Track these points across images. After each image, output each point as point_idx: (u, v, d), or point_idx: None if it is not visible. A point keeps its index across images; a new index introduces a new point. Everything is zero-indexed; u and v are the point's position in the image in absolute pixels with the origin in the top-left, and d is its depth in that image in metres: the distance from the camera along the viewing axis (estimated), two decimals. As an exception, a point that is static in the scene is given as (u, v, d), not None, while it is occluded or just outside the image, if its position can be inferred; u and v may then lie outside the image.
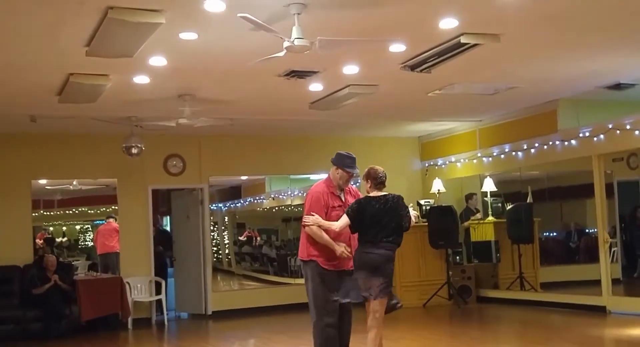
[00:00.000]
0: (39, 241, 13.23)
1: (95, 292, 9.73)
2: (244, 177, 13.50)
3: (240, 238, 16.92)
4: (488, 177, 11.18)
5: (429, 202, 11.49)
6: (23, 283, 9.67)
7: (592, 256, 9.94)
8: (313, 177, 13.29)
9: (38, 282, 9.50)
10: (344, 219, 5.64)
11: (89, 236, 16.55)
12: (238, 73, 7.18)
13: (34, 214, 10.75)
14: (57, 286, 9.51)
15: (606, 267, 9.19)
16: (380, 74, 7.54)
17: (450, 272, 10.98)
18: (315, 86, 7.88)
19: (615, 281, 9.57)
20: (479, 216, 11.48)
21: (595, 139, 9.17)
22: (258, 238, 16.55)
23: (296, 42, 5.26)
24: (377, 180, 5.82)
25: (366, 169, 5.91)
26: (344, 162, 5.92)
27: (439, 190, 11.45)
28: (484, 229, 11.13)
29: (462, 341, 7.82)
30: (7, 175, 10.00)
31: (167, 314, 10.56)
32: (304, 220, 5.73)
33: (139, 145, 9.42)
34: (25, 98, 7.94)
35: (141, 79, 7.25)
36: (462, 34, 6.17)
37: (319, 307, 5.73)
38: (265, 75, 7.25)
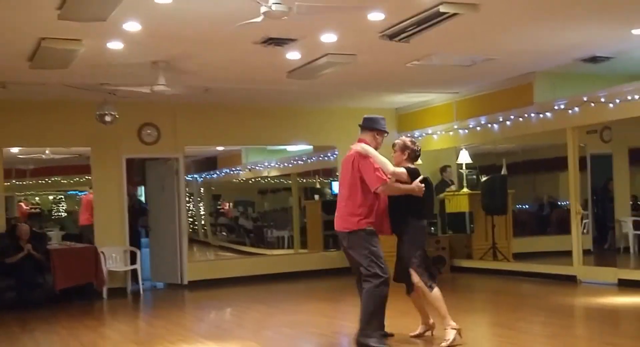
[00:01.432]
0: (26, 208, 13.01)
1: (69, 261, 9.67)
2: (220, 148, 13.41)
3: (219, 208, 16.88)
4: (464, 149, 11.25)
5: (405, 173, 11.53)
6: (-4, 252, 9.59)
7: (563, 228, 10.10)
8: (290, 148, 13.29)
9: (11, 251, 9.41)
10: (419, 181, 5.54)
11: (62, 206, 16.39)
12: (214, 39, 7.07)
13: (6, 184, 10.59)
14: (30, 255, 9.43)
15: (578, 238, 9.33)
16: (358, 43, 7.49)
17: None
18: (293, 54, 7.80)
19: (586, 252, 9.76)
20: (453, 187, 11.57)
21: (570, 111, 9.24)
22: (229, 207, 16.46)
23: (274, 7, 5.19)
24: (415, 153, 5.82)
25: (401, 140, 5.84)
26: (382, 124, 5.83)
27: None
28: (458, 201, 11.23)
29: (436, 309, 7.90)
30: (-23, 143, 9.84)
31: (142, 284, 10.54)
32: (383, 176, 5.42)
33: (113, 113, 9.29)
34: (-5, 64, 7.78)
35: (115, 45, 7.12)
36: (441, 3, 6.14)
37: (381, 267, 5.49)
38: (242, 42, 7.16)
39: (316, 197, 13.47)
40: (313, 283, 10.85)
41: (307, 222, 13.11)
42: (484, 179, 11.19)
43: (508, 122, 10.18)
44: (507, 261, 10.71)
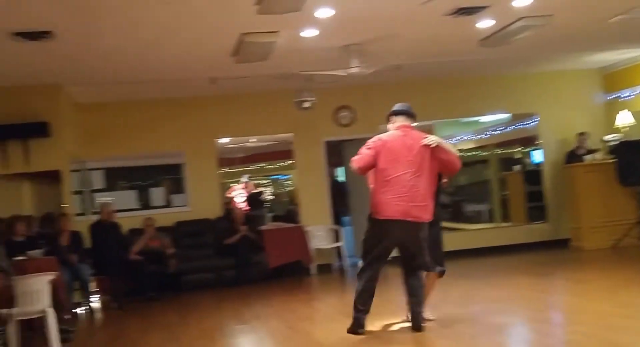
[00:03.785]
0: (256, 189, 13.67)
1: (280, 241, 10.25)
2: (414, 124, 13.39)
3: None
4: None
5: (615, 137, 10.77)
6: (216, 235, 10.40)
7: None
8: (484, 118, 12.93)
9: (229, 233, 10.17)
10: None
11: (269, 190, 17.35)
12: (404, 16, 7.06)
13: (218, 172, 11.35)
14: (245, 236, 10.13)
15: None
16: (555, 3, 7.08)
17: (642, 211, 10.27)
18: (485, 22, 7.56)
19: None
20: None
21: None
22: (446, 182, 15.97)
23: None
24: None
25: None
26: None
27: (626, 123, 10.67)
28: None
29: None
30: (194, 136, 10.72)
31: (346, 260, 10.90)
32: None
33: (311, 99, 9.65)
34: (204, 62, 8.38)
35: (309, 33, 7.37)
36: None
37: None
38: (432, 16, 7.08)
39: (516, 167, 13.03)
40: (517, 257, 10.53)
41: (508, 194, 12.73)
42: None
43: None
44: None
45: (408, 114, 5.84)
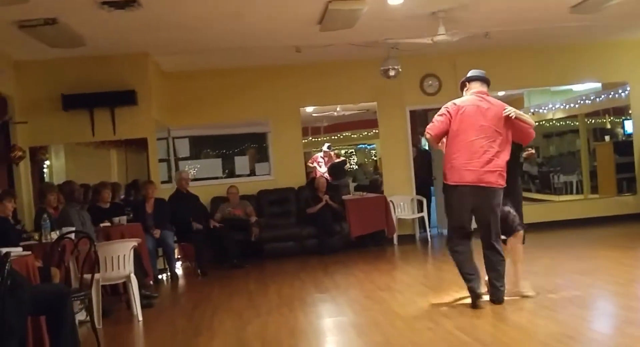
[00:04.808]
0: (338, 159, 13.75)
1: (362, 210, 10.29)
2: (501, 93, 13.06)
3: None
4: None
5: None
6: (298, 204, 10.54)
7: None
8: (576, 87, 12.47)
9: (311, 202, 10.29)
10: None
11: (353, 159, 17.41)
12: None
13: (303, 141, 11.38)
14: (328, 205, 10.23)
15: None
16: (652, -34, 6.72)
17: None
18: (577, -12, 7.27)
19: None
20: None
21: None
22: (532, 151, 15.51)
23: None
24: None
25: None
26: None
27: None
28: None
29: None
30: (278, 104, 10.82)
31: (430, 231, 10.85)
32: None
33: (396, 67, 9.56)
34: (289, 30, 8.40)
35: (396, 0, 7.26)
36: None
37: None
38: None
39: (607, 138, 12.55)
40: (605, 229, 10.22)
41: (597, 165, 12.31)
42: None
43: None
44: None
45: (483, 79, 5.75)
